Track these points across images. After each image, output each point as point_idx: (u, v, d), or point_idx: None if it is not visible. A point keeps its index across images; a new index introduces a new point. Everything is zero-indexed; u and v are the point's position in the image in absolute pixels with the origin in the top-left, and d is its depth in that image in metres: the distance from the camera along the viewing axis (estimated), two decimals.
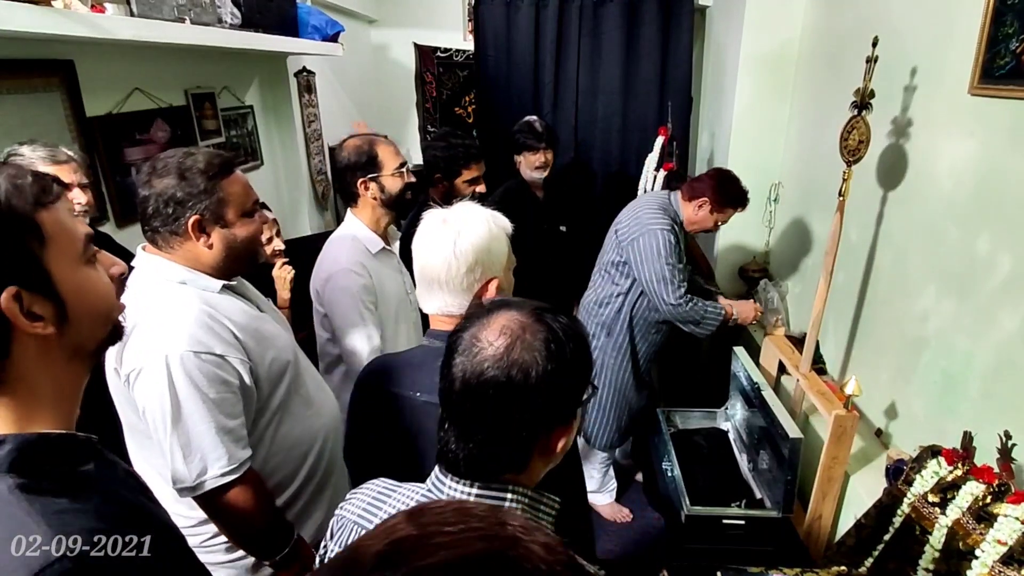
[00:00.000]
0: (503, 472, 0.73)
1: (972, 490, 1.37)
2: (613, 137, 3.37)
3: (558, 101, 3.36)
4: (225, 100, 2.85)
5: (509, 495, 0.73)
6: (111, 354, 1.13)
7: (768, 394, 2.03)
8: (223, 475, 1.13)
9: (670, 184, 2.70)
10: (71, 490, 0.64)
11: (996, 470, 1.36)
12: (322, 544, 0.84)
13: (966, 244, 1.61)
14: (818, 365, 2.29)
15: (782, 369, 2.30)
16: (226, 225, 1.18)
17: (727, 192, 2.25)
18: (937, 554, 1.38)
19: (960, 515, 1.36)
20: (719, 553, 1.89)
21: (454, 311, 1.07)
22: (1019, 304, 1.44)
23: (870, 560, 1.56)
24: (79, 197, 1.59)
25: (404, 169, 1.72)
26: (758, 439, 2.19)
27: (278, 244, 2.24)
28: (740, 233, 3.01)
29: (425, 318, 1.15)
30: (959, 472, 1.42)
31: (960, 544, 1.33)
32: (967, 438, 1.45)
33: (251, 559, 1.28)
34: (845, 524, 1.88)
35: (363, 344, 1.60)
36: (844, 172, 1.83)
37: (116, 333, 0.75)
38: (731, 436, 2.45)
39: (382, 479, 0.86)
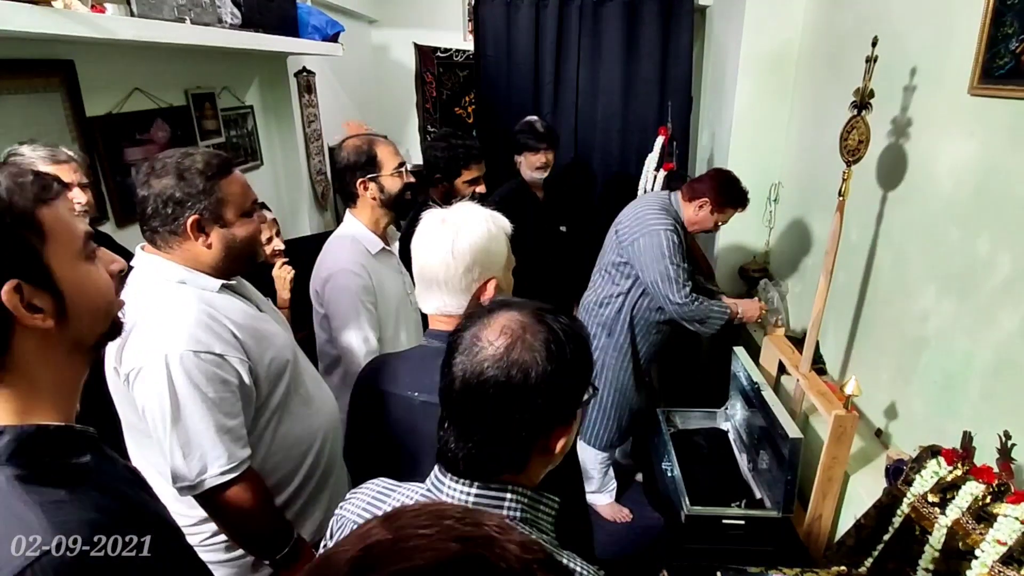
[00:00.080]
0: (502, 472, 0.73)
1: (972, 490, 1.37)
2: (613, 137, 3.37)
3: (558, 101, 3.36)
4: (225, 100, 2.85)
5: (508, 495, 0.73)
6: (111, 353, 1.14)
7: (768, 394, 2.03)
8: (222, 474, 1.13)
9: (670, 184, 2.70)
10: (69, 481, 0.64)
11: (996, 470, 1.36)
12: (322, 544, 0.84)
13: (966, 244, 1.61)
14: (818, 365, 2.29)
15: (782, 369, 2.29)
16: (225, 225, 1.18)
17: (727, 192, 2.25)
18: (937, 554, 1.38)
19: (960, 515, 1.36)
20: (719, 553, 1.89)
21: (452, 311, 1.07)
22: (1019, 304, 1.43)
23: (870, 560, 1.56)
24: (79, 197, 1.59)
25: (403, 169, 1.72)
26: (758, 439, 2.19)
27: (278, 244, 2.23)
28: (740, 233, 3.01)
29: (425, 318, 1.15)
30: (959, 472, 1.42)
31: (960, 544, 1.32)
32: (967, 438, 1.45)
33: (251, 558, 1.28)
34: (845, 524, 1.88)
35: (360, 344, 1.60)
36: (844, 172, 1.83)
37: (115, 328, 0.76)
38: (731, 436, 2.45)
39: (382, 479, 0.86)
